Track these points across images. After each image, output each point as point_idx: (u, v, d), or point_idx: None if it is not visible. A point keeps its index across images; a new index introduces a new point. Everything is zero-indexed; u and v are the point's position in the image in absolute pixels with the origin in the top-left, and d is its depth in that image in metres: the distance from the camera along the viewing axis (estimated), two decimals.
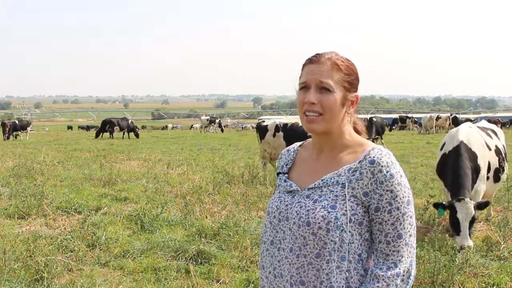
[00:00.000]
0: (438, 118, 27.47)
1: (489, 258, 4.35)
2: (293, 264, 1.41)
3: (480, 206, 4.60)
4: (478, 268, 4.06)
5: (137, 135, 26.26)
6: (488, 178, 5.00)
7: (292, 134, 8.58)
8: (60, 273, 4.08)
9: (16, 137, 26.08)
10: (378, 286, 1.34)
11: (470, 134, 4.96)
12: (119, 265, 4.35)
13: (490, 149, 5.05)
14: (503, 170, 5.24)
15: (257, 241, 4.82)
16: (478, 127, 5.40)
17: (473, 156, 4.84)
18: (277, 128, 9.07)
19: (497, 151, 5.17)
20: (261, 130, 9.27)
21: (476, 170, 4.83)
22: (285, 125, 9.08)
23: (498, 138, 5.47)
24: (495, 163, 5.07)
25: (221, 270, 4.15)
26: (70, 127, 55.70)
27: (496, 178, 5.16)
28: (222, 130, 34.48)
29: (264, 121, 9.77)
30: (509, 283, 3.82)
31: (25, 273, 3.99)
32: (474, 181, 4.79)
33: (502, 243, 4.67)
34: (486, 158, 4.91)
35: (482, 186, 4.91)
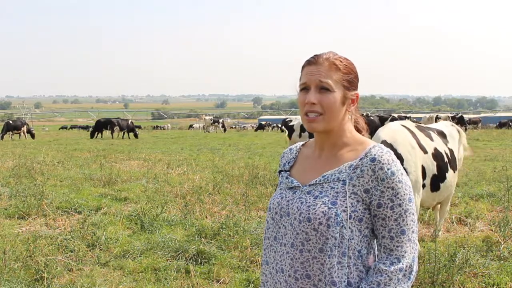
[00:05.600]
0: (437, 118, 27.49)
1: (489, 258, 4.34)
2: (296, 259, 1.43)
3: None
4: (478, 268, 4.05)
5: (136, 136, 26.23)
6: (424, 185, 4.29)
7: None
8: (60, 273, 4.08)
9: (22, 136, 26.22)
10: (380, 280, 1.37)
11: (396, 133, 4.25)
12: (119, 265, 4.35)
13: (425, 152, 4.31)
14: (445, 178, 4.49)
15: (257, 241, 4.82)
16: (417, 126, 4.65)
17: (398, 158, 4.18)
18: (302, 128, 9.07)
19: (437, 155, 4.41)
20: (288, 129, 9.35)
21: None
22: None
23: (445, 142, 4.72)
24: (432, 169, 4.33)
25: (221, 270, 4.15)
26: (65, 127, 56.31)
27: (435, 187, 4.40)
28: (224, 130, 34.52)
29: (291, 121, 9.76)
30: (509, 283, 3.81)
31: (25, 273, 3.98)
32: None
33: (502, 243, 4.66)
34: (418, 162, 4.19)
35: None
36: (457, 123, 29.32)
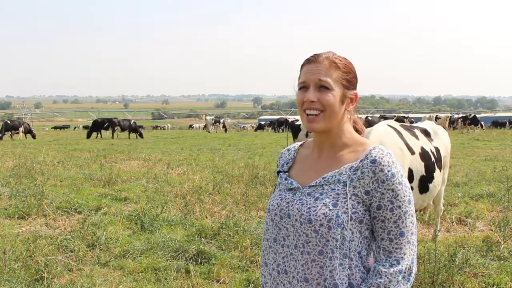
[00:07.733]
0: (437, 118, 27.52)
1: (489, 258, 4.34)
2: (298, 260, 1.43)
3: None
4: (478, 268, 4.06)
5: (141, 135, 26.26)
6: (412, 188, 3.96)
7: None
8: (60, 273, 4.08)
9: (21, 136, 26.24)
10: (380, 282, 1.37)
11: (383, 135, 4.06)
12: (119, 265, 4.35)
13: (413, 153, 4.13)
14: (433, 178, 4.31)
15: (257, 241, 4.82)
16: (402, 125, 4.50)
17: None
18: None
19: (424, 155, 4.24)
20: (295, 129, 9.32)
21: None
22: None
23: (430, 140, 4.58)
24: (420, 170, 4.14)
25: (221, 270, 4.15)
26: (58, 127, 56.87)
27: (423, 188, 4.21)
28: (225, 130, 34.53)
29: (298, 120, 9.77)
30: (509, 283, 3.82)
31: (25, 273, 3.98)
32: None
33: (502, 243, 4.67)
34: (405, 163, 4.02)
35: None
36: (470, 123, 29.37)
